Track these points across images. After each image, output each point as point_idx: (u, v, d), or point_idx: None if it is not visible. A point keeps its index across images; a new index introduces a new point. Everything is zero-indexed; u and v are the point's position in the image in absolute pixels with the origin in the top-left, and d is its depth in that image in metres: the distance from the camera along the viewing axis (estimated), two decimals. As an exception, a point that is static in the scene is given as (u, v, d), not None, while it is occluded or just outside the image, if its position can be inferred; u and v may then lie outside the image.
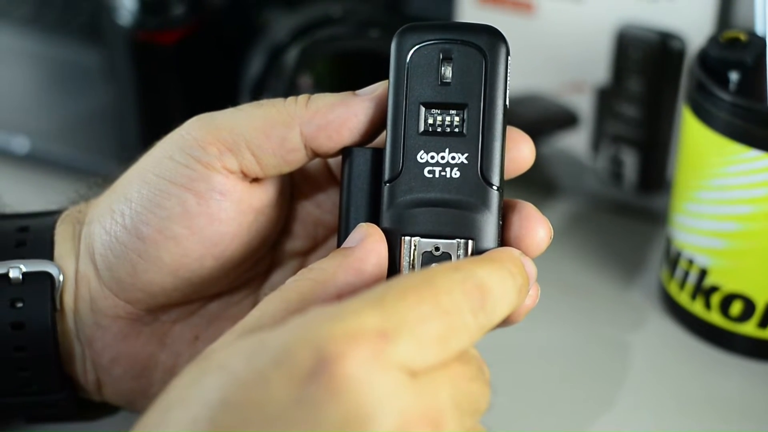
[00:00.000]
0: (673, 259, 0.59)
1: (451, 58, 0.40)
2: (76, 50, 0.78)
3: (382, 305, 0.34)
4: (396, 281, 0.35)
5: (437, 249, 0.40)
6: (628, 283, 0.63)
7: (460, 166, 0.40)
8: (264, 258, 0.46)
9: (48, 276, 0.44)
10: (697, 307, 0.58)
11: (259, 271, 0.46)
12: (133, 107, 0.66)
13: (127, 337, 0.45)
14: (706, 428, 0.54)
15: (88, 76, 0.76)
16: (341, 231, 0.42)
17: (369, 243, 0.39)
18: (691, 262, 0.58)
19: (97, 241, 0.44)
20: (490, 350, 0.42)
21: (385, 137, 0.41)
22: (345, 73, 0.63)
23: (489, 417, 0.39)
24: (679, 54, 0.63)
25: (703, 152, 0.55)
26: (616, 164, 0.67)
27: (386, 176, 0.40)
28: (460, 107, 0.40)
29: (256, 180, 0.43)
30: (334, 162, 0.46)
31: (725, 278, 0.56)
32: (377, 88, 0.42)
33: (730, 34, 0.55)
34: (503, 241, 0.41)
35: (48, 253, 0.45)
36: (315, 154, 0.42)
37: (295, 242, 0.47)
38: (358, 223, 0.41)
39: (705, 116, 0.55)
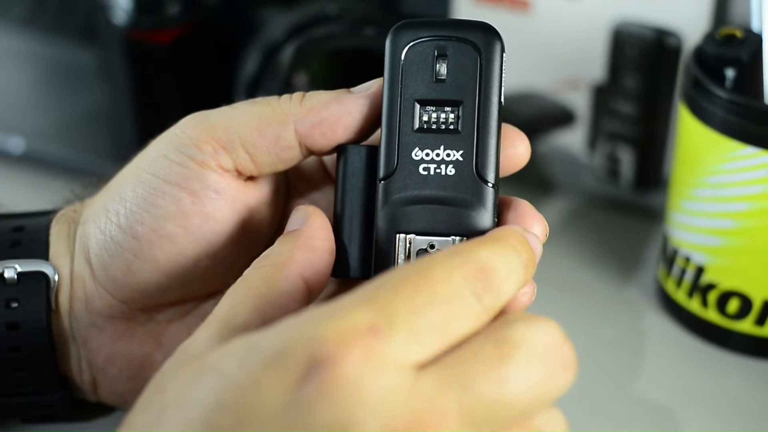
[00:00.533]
0: (669, 257, 0.59)
1: (445, 55, 0.40)
2: (71, 50, 0.78)
3: (375, 301, 0.33)
4: (389, 275, 0.35)
5: (432, 246, 0.39)
6: (625, 281, 0.63)
7: (455, 164, 0.39)
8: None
9: (43, 276, 0.44)
10: (694, 305, 0.58)
11: (254, 270, 0.46)
12: (129, 107, 0.66)
13: (123, 336, 0.45)
14: (703, 426, 0.54)
15: (83, 75, 0.76)
16: (336, 229, 0.41)
17: (313, 220, 0.40)
18: (687, 259, 0.58)
19: (92, 241, 0.44)
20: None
21: (379, 135, 0.40)
22: (340, 71, 0.63)
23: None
24: (676, 51, 0.63)
25: (699, 149, 0.55)
26: (613, 162, 0.67)
27: (381, 174, 0.40)
28: (455, 104, 0.40)
29: (251, 178, 0.43)
30: (329, 160, 0.45)
31: (722, 276, 0.56)
32: (372, 86, 0.42)
33: (726, 31, 0.55)
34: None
35: (43, 253, 0.45)
36: (309, 152, 0.42)
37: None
38: (353, 221, 0.41)
39: (701, 113, 0.54)
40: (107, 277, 0.43)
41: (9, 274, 0.44)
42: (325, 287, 0.40)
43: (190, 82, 0.66)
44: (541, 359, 0.34)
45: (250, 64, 0.63)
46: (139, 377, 0.46)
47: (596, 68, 0.65)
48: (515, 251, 0.36)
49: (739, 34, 0.55)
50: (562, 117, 0.67)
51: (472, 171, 0.39)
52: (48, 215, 0.46)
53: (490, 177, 0.40)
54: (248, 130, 0.42)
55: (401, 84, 0.40)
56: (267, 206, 0.44)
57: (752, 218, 0.55)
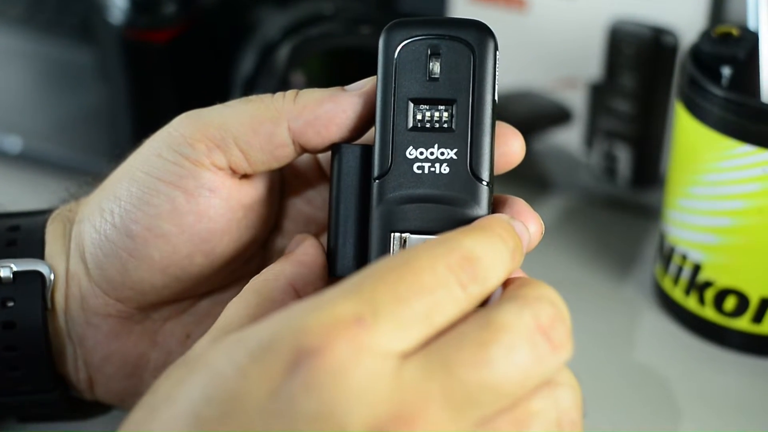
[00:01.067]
0: (666, 255, 0.59)
1: (439, 54, 0.40)
2: (68, 49, 0.78)
3: (359, 291, 0.33)
4: (374, 266, 0.35)
5: (427, 245, 0.39)
6: (622, 279, 0.63)
7: (450, 162, 0.39)
8: (255, 255, 0.46)
9: (39, 275, 0.44)
10: (691, 303, 0.58)
11: (250, 269, 0.46)
12: (126, 106, 0.66)
13: (119, 335, 0.45)
14: (700, 423, 0.54)
15: (80, 75, 0.76)
16: (331, 228, 0.42)
17: (307, 242, 0.42)
18: (684, 257, 0.58)
19: (87, 240, 0.44)
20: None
21: (373, 133, 0.40)
22: (337, 70, 0.63)
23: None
24: (672, 49, 0.63)
25: (696, 147, 0.55)
26: (610, 160, 0.67)
27: (375, 173, 0.40)
28: (448, 103, 0.40)
29: (245, 176, 0.43)
30: (324, 158, 0.45)
31: (719, 273, 0.56)
32: (366, 84, 0.42)
33: (722, 29, 0.55)
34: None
35: (39, 252, 0.45)
36: (303, 150, 0.42)
37: (286, 239, 0.47)
38: (348, 220, 0.41)
39: (698, 111, 0.54)
40: (102, 276, 0.43)
41: (5, 273, 0.44)
42: None
43: (186, 82, 0.66)
44: (527, 341, 0.34)
45: (247, 63, 0.63)
46: (135, 375, 0.46)
47: (593, 66, 0.65)
48: (501, 239, 0.36)
49: (735, 32, 0.55)
50: (559, 115, 0.67)
51: (467, 169, 0.39)
52: (44, 214, 0.46)
53: (485, 175, 0.40)
54: (242, 128, 0.42)
55: (395, 83, 0.40)
56: (262, 204, 0.44)
57: (749, 216, 0.55)
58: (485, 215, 0.39)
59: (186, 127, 0.42)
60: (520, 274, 0.39)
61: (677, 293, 0.59)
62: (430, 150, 0.40)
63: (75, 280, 0.44)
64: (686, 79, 0.55)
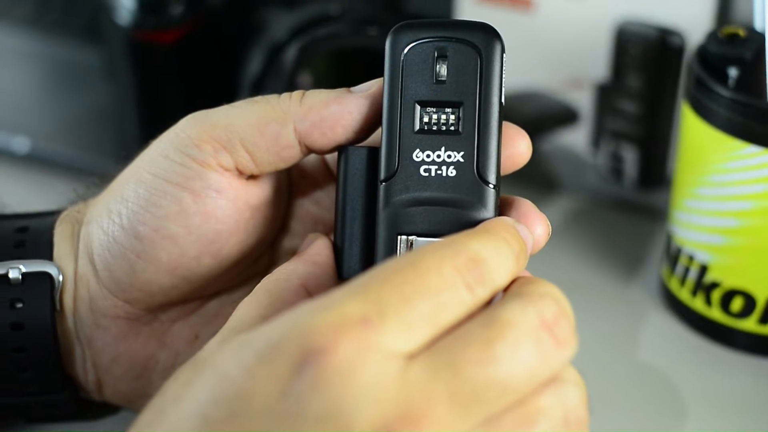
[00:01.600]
0: (673, 256, 0.59)
1: (446, 56, 0.40)
2: (75, 50, 0.79)
3: (366, 292, 0.33)
4: (381, 267, 0.35)
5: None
6: (629, 280, 0.63)
7: (456, 165, 0.40)
8: (263, 256, 0.46)
9: (47, 276, 0.44)
10: (697, 304, 0.58)
11: (258, 269, 0.46)
12: (133, 106, 0.66)
13: (127, 336, 0.45)
14: (707, 424, 0.54)
15: (87, 75, 0.76)
16: (337, 231, 0.42)
17: (319, 241, 0.42)
18: (691, 258, 0.58)
19: (95, 242, 0.44)
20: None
21: (380, 135, 0.40)
22: (344, 71, 0.63)
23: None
24: (679, 50, 0.63)
25: (702, 148, 0.55)
26: (616, 161, 0.67)
27: (382, 175, 0.40)
28: (455, 105, 0.40)
29: (252, 177, 0.43)
30: (332, 159, 0.45)
31: (726, 274, 0.56)
32: (372, 86, 0.42)
33: (729, 29, 0.55)
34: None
35: (47, 254, 0.45)
36: (309, 151, 0.42)
37: (294, 240, 0.47)
38: (354, 222, 0.41)
39: (704, 112, 0.54)
40: (110, 278, 0.44)
41: (13, 274, 0.44)
42: None
43: (193, 82, 0.66)
44: (532, 338, 0.34)
45: (254, 64, 0.63)
46: (143, 377, 0.46)
47: (599, 67, 0.65)
48: (506, 242, 0.37)
49: (742, 33, 0.55)
50: (566, 116, 0.67)
51: (473, 172, 0.39)
52: (52, 216, 0.46)
53: (491, 178, 0.40)
54: (248, 129, 0.42)
55: (401, 85, 0.40)
56: (269, 205, 0.44)
57: (756, 217, 0.55)
58: (491, 218, 0.39)
59: (193, 128, 0.42)
60: (525, 275, 0.39)
61: (684, 294, 0.59)
62: (437, 153, 0.40)
63: (83, 281, 0.44)
64: (693, 80, 0.55)
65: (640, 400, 0.55)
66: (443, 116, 0.40)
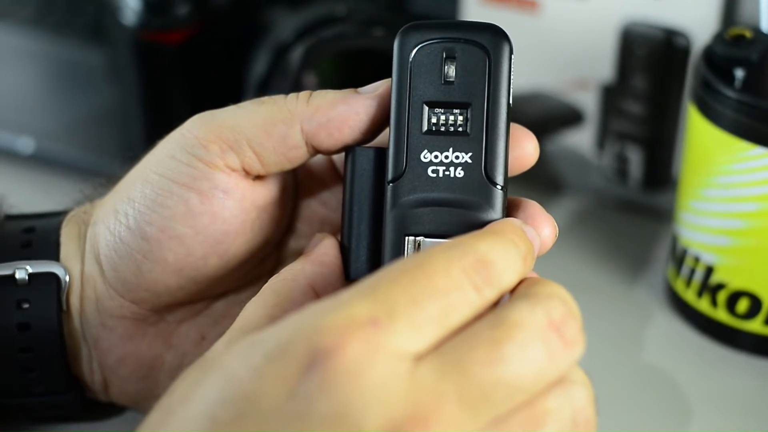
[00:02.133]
0: (679, 257, 0.59)
1: (454, 57, 0.40)
2: (80, 50, 0.79)
3: (375, 293, 0.34)
4: (389, 268, 0.35)
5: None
6: (634, 281, 0.63)
7: (464, 166, 0.39)
8: (269, 256, 0.46)
9: (54, 277, 0.44)
10: (703, 305, 0.58)
11: (264, 270, 0.46)
12: (138, 107, 0.66)
13: (133, 337, 0.45)
14: (712, 426, 0.54)
15: (92, 76, 0.76)
16: (344, 231, 0.42)
17: (327, 241, 0.42)
18: (697, 259, 0.58)
19: (101, 242, 0.44)
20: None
21: (387, 136, 0.40)
22: (349, 72, 0.63)
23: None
24: (685, 51, 0.63)
25: (708, 150, 0.55)
26: (622, 162, 0.67)
27: (389, 176, 0.40)
28: (463, 106, 0.40)
29: (258, 177, 0.43)
30: (339, 160, 0.45)
31: (731, 275, 0.56)
32: (379, 87, 0.42)
33: (735, 31, 0.55)
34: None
35: (54, 254, 0.45)
36: (316, 151, 0.42)
37: (300, 240, 0.47)
38: (361, 223, 0.41)
39: (710, 114, 0.54)
40: (117, 278, 0.44)
41: (20, 275, 0.44)
42: None
43: (199, 83, 0.66)
44: (540, 338, 0.34)
45: (260, 64, 0.63)
46: (149, 377, 0.46)
47: (605, 68, 0.65)
48: (513, 243, 0.37)
49: (748, 34, 0.55)
50: (571, 117, 0.67)
51: (481, 173, 0.39)
52: (58, 216, 0.46)
53: (499, 179, 0.40)
54: (255, 130, 0.42)
55: (409, 86, 0.40)
56: (275, 205, 0.44)
57: (762, 218, 0.55)
58: (499, 219, 0.39)
59: (199, 128, 0.42)
60: (532, 276, 0.39)
61: (690, 295, 0.59)
62: (445, 153, 0.40)
63: (90, 282, 0.44)
64: (699, 81, 0.55)
65: (646, 401, 0.55)
66: (451, 117, 0.40)
